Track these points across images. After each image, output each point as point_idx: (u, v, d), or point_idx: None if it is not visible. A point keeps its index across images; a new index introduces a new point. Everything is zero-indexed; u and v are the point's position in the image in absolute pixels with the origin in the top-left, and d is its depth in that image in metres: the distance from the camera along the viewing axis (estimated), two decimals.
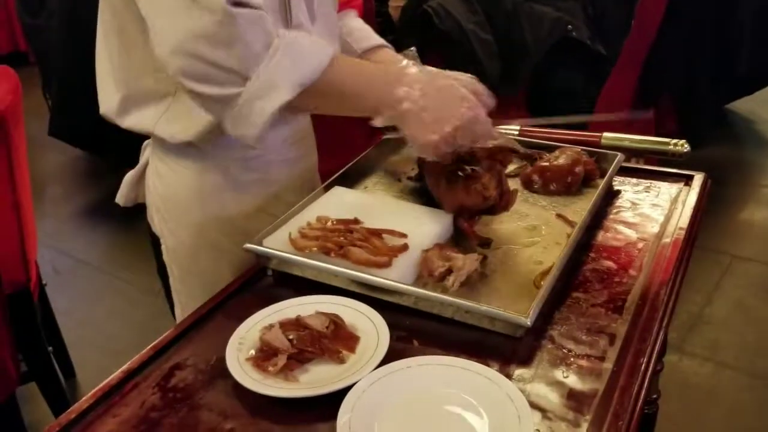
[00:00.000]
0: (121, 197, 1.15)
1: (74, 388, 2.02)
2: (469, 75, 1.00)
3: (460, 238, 1.01)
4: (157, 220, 1.10)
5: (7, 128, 1.43)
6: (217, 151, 1.03)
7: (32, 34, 3.40)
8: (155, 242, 1.11)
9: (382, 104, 0.91)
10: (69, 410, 0.75)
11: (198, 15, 0.82)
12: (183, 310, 1.12)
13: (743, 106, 3.49)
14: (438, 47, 2.32)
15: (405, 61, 1.16)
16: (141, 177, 1.13)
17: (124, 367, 0.80)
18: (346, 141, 1.58)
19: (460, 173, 0.98)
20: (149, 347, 0.83)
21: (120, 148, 1.21)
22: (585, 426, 0.70)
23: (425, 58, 1.18)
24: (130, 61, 0.99)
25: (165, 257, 1.11)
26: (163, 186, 1.07)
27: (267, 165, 1.08)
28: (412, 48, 1.20)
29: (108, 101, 1.03)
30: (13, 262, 1.54)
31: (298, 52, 0.87)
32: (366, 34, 1.21)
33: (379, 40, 1.21)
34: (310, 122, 1.21)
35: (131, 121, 1.02)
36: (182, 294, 1.12)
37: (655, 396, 1.33)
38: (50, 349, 1.76)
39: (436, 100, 0.92)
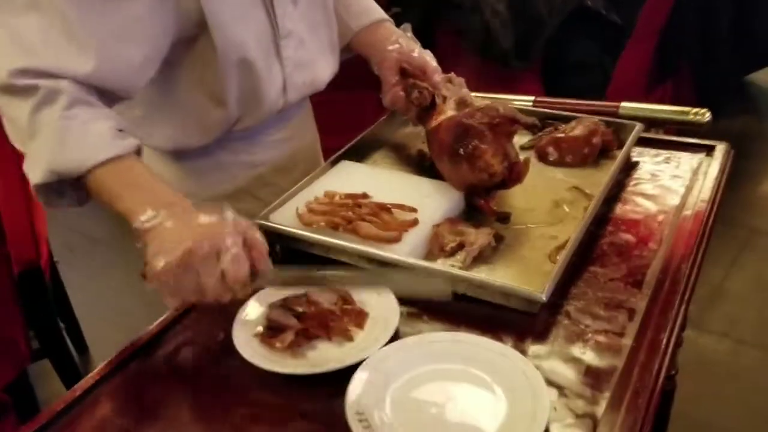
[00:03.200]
0: None
1: (87, 363, 2.02)
2: (252, 223, 0.80)
3: (472, 213, 0.98)
4: None
5: None
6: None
7: None
8: None
9: (134, 217, 0.75)
10: (74, 387, 0.75)
11: None
12: None
13: (763, 77, 3.40)
14: (449, 20, 2.26)
15: (401, 37, 1.13)
16: None
17: (131, 342, 0.79)
18: (352, 116, 1.55)
19: (461, 152, 0.94)
20: (156, 323, 0.82)
21: None
22: (603, 404, 0.67)
23: (435, 32, 1.15)
24: None
25: None
26: (149, 164, 1.05)
27: (250, 146, 1.06)
28: (407, 24, 1.17)
29: None
30: (22, 239, 1.54)
31: (67, 137, 0.76)
32: (363, 8, 1.16)
33: (377, 14, 1.16)
34: (308, 102, 1.17)
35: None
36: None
37: (673, 372, 1.30)
38: (63, 325, 1.76)
39: (186, 224, 0.74)
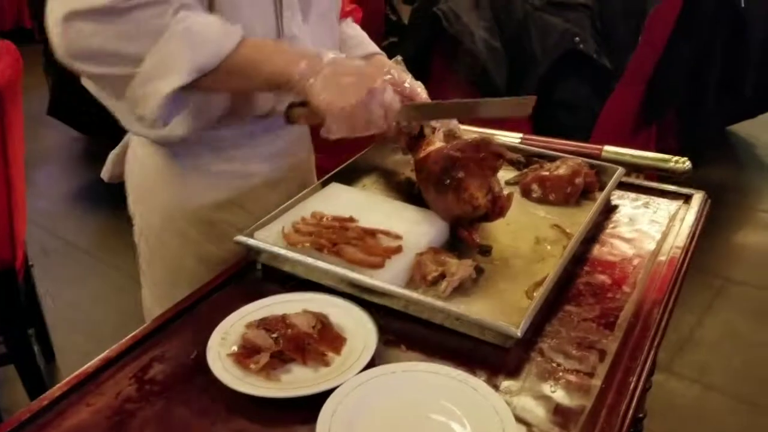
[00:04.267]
0: (106, 173, 1.16)
1: (54, 372, 1.99)
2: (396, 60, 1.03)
3: (456, 243, 0.99)
4: (130, 200, 1.11)
5: (3, 103, 1.41)
6: (190, 137, 1.00)
7: (39, 11, 3.37)
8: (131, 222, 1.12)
9: (290, 72, 0.87)
10: (41, 397, 0.74)
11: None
12: (149, 292, 1.14)
13: (745, 129, 3.49)
14: (444, 52, 2.30)
15: (394, 68, 1.15)
16: (124, 155, 1.13)
17: (102, 355, 0.78)
18: (348, 140, 1.56)
19: (447, 183, 0.96)
20: (129, 337, 0.81)
21: (119, 133, 1.19)
22: None
23: (431, 63, 1.17)
24: None
25: (135, 237, 1.12)
26: (138, 166, 1.08)
27: (243, 157, 1.06)
28: (398, 57, 1.19)
29: None
30: (0, 239, 1.52)
31: (195, 37, 0.83)
32: (358, 42, 1.20)
33: (372, 48, 1.20)
34: None
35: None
36: (147, 276, 1.13)
37: (642, 415, 1.31)
38: (32, 331, 1.73)
39: (346, 69, 0.89)
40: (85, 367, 0.77)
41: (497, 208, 0.98)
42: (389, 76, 0.92)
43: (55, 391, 0.74)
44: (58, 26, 0.81)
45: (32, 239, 1.92)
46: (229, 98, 0.98)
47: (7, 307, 1.55)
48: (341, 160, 1.16)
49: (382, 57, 1.19)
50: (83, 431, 0.71)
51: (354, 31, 1.22)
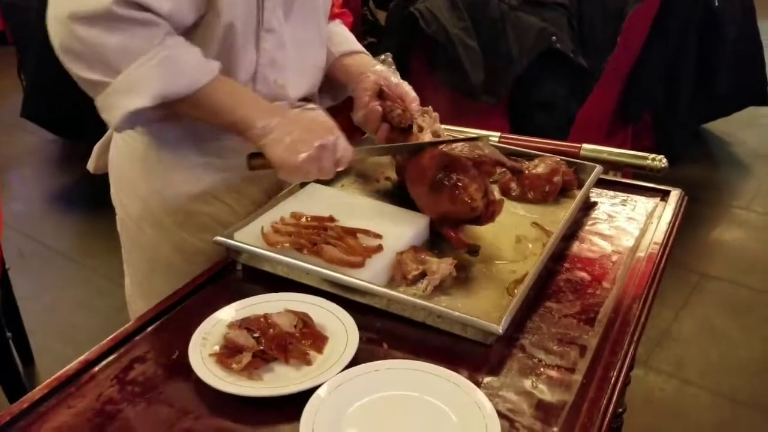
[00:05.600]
0: (91, 164, 1.17)
1: (32, 376, 1.96)
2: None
3: (436, 242, 0.99)
4: (113, 190, 1.12)
5: None
6: (168, 128, 1.02)
7: (10, 13, 3.32)
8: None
9: (249, 125, 0.93)
10: (21, 399, 0.73)
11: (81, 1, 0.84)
12: (129, 280, 1.17)
13: (719, 127, 3.55)
14: (423, 51, 2.31)
15: (379, 66, 1.16)
16: (108, 146, 1.13)
17: (82, 357, 0.78)
18: None
19: (446, 182, 0.97)
20: (109, 338, 0.81)
21: (95, 134, 1.18)
22: None
23: (410, 62, 1.18)
24: None
25: (118, 227, 1.14)
26: (118, 156, 1.09)
27: (223, 150, 1.06)
28: (388, 53, 1.20)
29: None
30: None
31: (173, 66, 0.88)
32: (343, 40, 1.21)
33: (356, 46, 1.21)
34: None
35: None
36: (129, 265, 1.16)
37: (621, 410, 1.33)
38: (9, 335, 1.71)
39: (300, 124, 0.95)
40: (66, 369, 0.76)
41: (489, 212, 0.99)
42: (335, 137, 0.96)
43: (35, 393, 0.73)
44: (56, 23, 0.85)
45: (9, 243, 1.90)
46: None
47: None
48: None
49: (366, 56, 1.19)
50: None
51: (339, 29, 1.22)
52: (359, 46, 1.21)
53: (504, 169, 1.17)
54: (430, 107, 1.15)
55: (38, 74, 2.91)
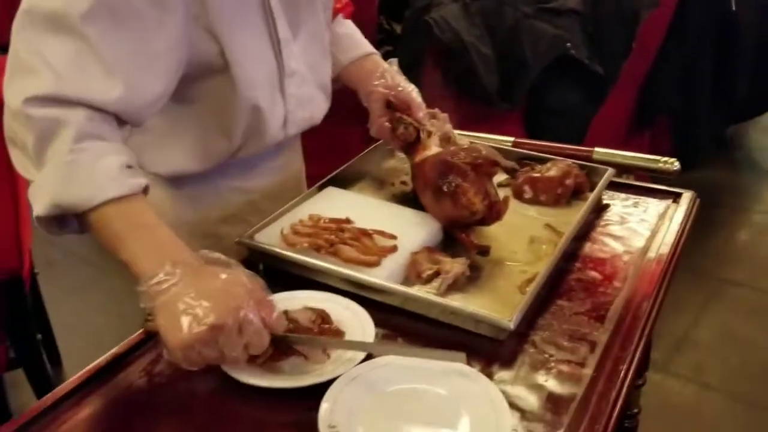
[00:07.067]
0: None
1: (60, 376, 2.02)
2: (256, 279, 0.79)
3: (449, 244, 1.02)
4: None
5: None
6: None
7: None
8: None
9: (141, 273, 0.74)
10: (55, 390, 0.77)
11: (11, 93, 0.77)
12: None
13: (739, 132, 3.53)
14: (438, 59, 2.34)
15: (387, 68, 1.18)
16: None
17: (113, 350, 0.82)
18: (338, 146, 1.60)
19: (445, 189, 0.99)
20: (139, 332, 0.84)
21: None
22: (562, 429, 0.71)
23: (424, 70, 1.21)
24: None
25: None
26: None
27: (244, 173, 1.10)
28: (393, 59, 1.23)
29: None
30: (7, 248, 1.55)
31: (74, 173, 0.75)
32: (352, 42, 1.22)
33: (365, 48, 1.22)
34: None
35: None
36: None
37: (636, 410, 1.34)
38: (39, 336, 1.77)
39: (200, 289, 0.72)
40: (98, 361, 0.80)
41: (494, 212, 1.01)
42: (244, 315, 0.72)
43: (68, 385, 0.77)
44: (5, 112, 0.79)
45: (36, 250, 1.96)
46: (242, 140, 1.01)
47: (15, 314, 1.59)
48: (331, 166, 1.19)
49: (377, 57, 1.22)
50: (97, 421, 0.75)
51: (346, 29, 1.23)
52: (368, 47, 1.23)
53: (516, 173, 1.20)
54: (437, 109, 1.18)
55: None
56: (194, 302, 0.70)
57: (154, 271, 0.73)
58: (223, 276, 0.74)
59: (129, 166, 0.79)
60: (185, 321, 0.70)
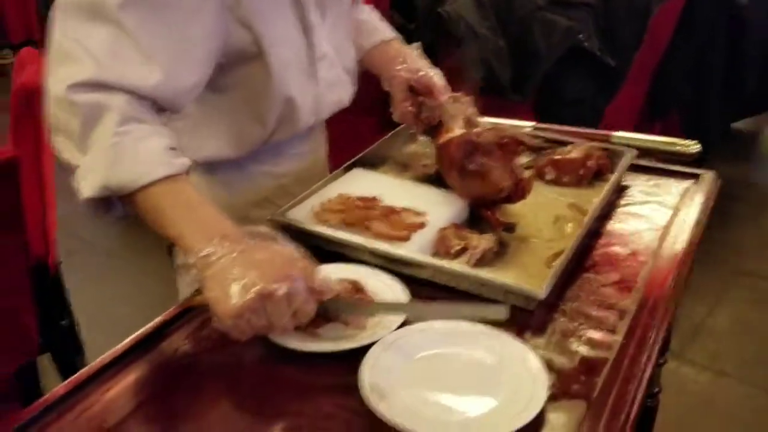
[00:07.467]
0: None
1: (83, 363, 2.05)
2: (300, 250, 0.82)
3: (475, 222, 1.04)
4: None
5: (36, 104, 1.48)
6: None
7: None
8: None
9: (189, 249, 0.77)
10: (105, 355, 0.79)
11: (54, 81, 0.80)
12: (187, 285, 1.15)
13: (749, 126, 3.54)
14: (451, 50, 2.37)
15: (408, 52, 1.19)
16: None
17: (160, 317, 0.85)
18: (354, 135, 1.62)
19: (472, 167, 1.01)
20: (183, 301, 0.87)
21: None
22: (596, 390, 0.73)
23: (437, 63, 1.23)
24: None
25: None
26: None
27: (276, 157, 1.12)
28: (416, 43, 1.24)
29: None
30: (34, 233, 1.58)
31: (121, 155, 0.78)
32: (374, 28, 1.24)
33: (387, 33, 1.24)
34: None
35: None
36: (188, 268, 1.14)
37: (657, 390, 1.36)
38: (65, 322, 1.80)
39: (247, 261, 0.74)
40: (146, 328, 0.83)
41: (519, 190, 1.03)
42: (291, 284, 0.73)
43: (118, 349, 0.80)
44: (46, 90, 0.81)
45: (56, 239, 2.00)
46: (275, 125, 1.03)
47: (41, 299, 1.62)
48: (348, 156, 1.20)
49: (398, 41, 1.24)
50: (143, 385, 0.78)
51: (367, 15, 1.25)
52: (388, 31, 1.24)
53: (536, 155, 1.22)
54: (461, 93, 1.20)
55: None
56: (243, 272, 0.72)
57: (202, 246, 0.75)
58: (269, 248, 0.77)
59: (172, 148, 0.82)
60: (235, 289, 0.71)
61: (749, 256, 2.67)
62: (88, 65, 0.78)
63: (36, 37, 4.80)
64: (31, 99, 1.48)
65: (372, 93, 1.23)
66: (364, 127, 1.82)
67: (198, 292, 0.81)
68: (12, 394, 1.38)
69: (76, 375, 0.77)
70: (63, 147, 0.82)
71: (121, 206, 0.83)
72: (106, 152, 0.78)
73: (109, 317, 2.32)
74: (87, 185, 0.79)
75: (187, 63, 0.86)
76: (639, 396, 0.72)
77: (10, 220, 1.34)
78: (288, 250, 0.78)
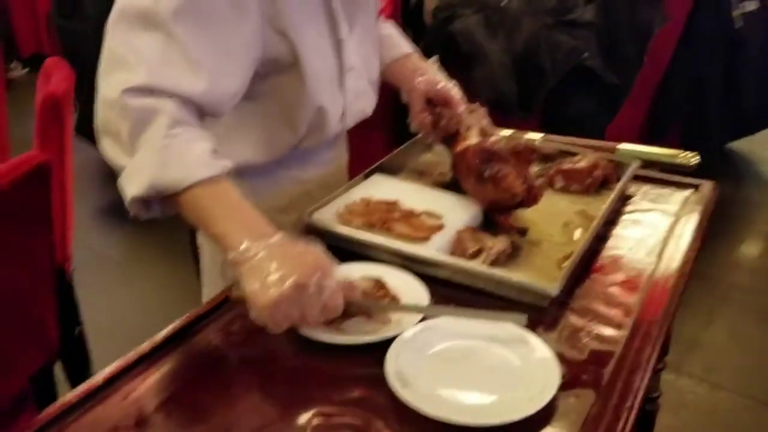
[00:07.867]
0: None
1: (91, 372, 2.08)
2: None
3: (490, 227, 1.10)
4: None
5: (62, 110, 1.54)
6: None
7: (66, 36, 3.53)
8: None
9: (229, 245, 0.81)
10: (142, 345, 0.84)
11: (108, 85, 0.85)
12: (211, 289, 1.20)
13: (743, 145, 3.62)
14: (459, 67, 2.44)
15: (427, 67, 1.26)
16: None
17: (193, 311, 0.90)
18: (362, 151, 1.68)
19: (488, 174, 1.08)
20: (214, 297, 0.92)
21: None
22: (605, 378, 0.79)
23: (446, 73, 1.30)
24: None
25: (199, 238, 1.20)
26: None
27: (304, 163, 1.17)
28: (433, 57, 1.31)
29: None
30: (56, 240, 1.63)
31: (169, 156, 0.83)
32: (395, 42, 1.30)
33: (406, 48, 1.30)
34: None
35: None
36: (213, 273, 1.20)
37: (657, 395, 1.41)
38: (79, 328, 1.83)
39: (282, 256, 0.80)
40: (180, 320, 0.88)
41: (531, 196, 1.09)
42: (321, 277, 0.80)
43: (156, 340, 0.85)
44: (98, 102, 0.87)
45: None
46: (305, 132, 1.09)
47: (60, 305, 1.65)
48: (366, 162, 1.26)
49: (417, 56, 1.30)
50: (176, 376, 0.83)
51: (388, 30, 1.31)
52: (407, 46, 1.30)
53: (547, 164, 1.29)
54: (477, 104, 1.27)
55: (92, 92, 3.09)
56: (279, 266, 0.78)
57: (242, 242, 0.80)
58: (301, 245, 0.83)
59: (215, 151, 0.87)
60: (272, 281, 0.77)
61: (742, 272, 2.73)
62: (141, 71, 0.84)
63: (46, 50, 4.87)
64: (57, 107, 1.54)
65: (378, 109, 1.30)
66: (371, 143, 1.87)
67: (233, 288, 0.86)
68: (29, 397, 1.42)
69: (109, 367, 0.81)
70: (109, 149, 0.87)
71: (158, 207, 0.88)
72: (156, 154, 0.82)
73: (117, 328, 2.35)
74: (134, 185, 0.84)
75: (230, 71, 0.92)
76: (643, 385, 0.78)
77: (42, 223, 1.39)
78: (318, 249, 0.84)
